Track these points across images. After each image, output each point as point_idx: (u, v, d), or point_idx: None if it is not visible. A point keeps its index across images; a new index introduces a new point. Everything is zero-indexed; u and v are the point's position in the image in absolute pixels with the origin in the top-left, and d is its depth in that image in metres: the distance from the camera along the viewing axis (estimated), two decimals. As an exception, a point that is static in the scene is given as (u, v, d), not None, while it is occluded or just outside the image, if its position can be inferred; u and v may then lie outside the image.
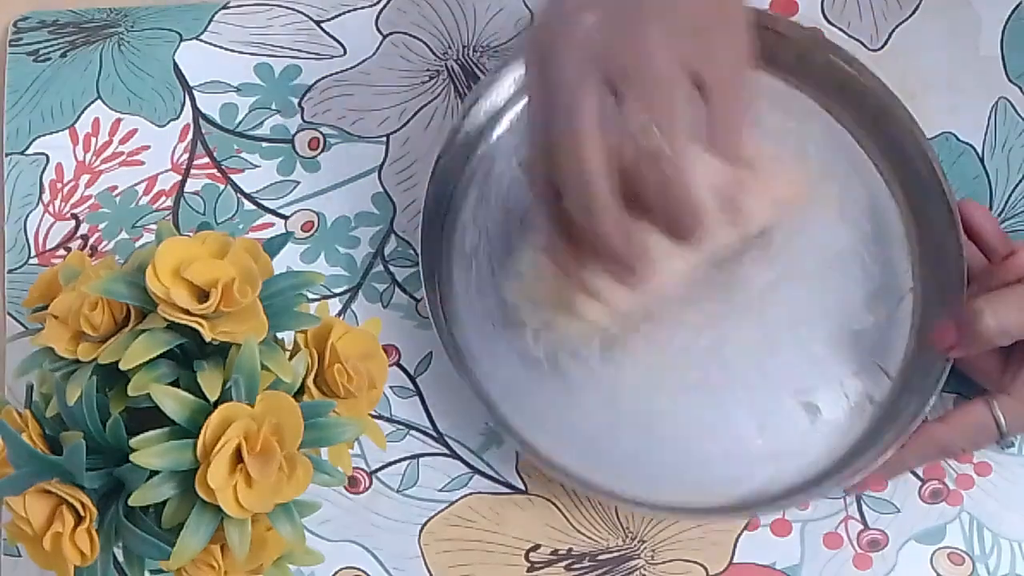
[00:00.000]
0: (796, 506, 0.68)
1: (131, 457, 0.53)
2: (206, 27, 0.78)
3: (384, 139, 0.76)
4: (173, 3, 0.79)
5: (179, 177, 0.75)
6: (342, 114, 0.76)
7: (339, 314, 0.72)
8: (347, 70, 0.77)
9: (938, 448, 0.67)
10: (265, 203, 0.74)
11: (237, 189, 0.75)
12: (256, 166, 0.75)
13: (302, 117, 0.76)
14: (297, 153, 0.75)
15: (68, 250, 0.73)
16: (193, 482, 0.53)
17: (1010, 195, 0.75)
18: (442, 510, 0.69)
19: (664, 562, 0.68)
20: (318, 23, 0.78)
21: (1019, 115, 0.76)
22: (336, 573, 0.68)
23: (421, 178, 0.74)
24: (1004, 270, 0.68)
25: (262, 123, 0.76)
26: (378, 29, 0.78)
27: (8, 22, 0.78)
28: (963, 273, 0.69)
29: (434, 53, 0.78)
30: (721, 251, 0.66)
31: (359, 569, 0.68)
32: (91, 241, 0.73)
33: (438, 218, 0.72)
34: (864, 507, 0.69)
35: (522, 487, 0.70)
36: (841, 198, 0.74)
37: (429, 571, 0.68)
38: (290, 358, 0.58)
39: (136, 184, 0.74)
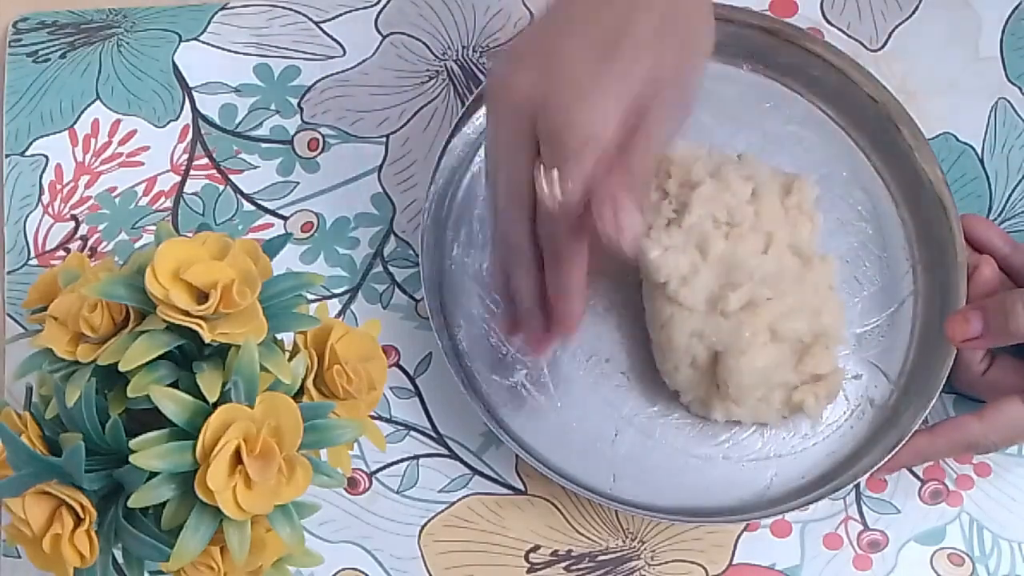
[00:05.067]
0: (796, 509, 0.68)
1: (130, 459, 0.53)
2: (205, 28, 0.78)
3: (383, 139, 0.76)
4: (172, 4, 0.79)
5: (178, 178, 0.75)
6: (341, 115, 0.76)
7: (338, 315, 0.72)
8: (346, 70, 0.77)
9: (970, 444, 0.66)
10: (264, 204, 0.74)
11: (236, 190, 0.75)
12: (255, 167, 0.75)
13: (301, 118, 0.76)
14: (296, 154, 0.75)
15: (68, 251, 0.73)
16: (192, 484, 0.53)
17: (1010, 195, 0.75)
18: (442, 511, 0.69)
19: (664, 563, 0.68)
20: (317, 23, 0.78)
21: (1019, 116, 0.76)
22: (336, 574, 0.68)
23: (421, 178, 0.74)
24: (973, 285, 0.68)
25: (261, 124, 0.76)
26: (377, 29, 0.78)
27: (8, 23, 0.78)
28: (963, 277, 0.69)
29: (433, 53, 0.78)
30: None
31: (359, 570, 0.68)
32: (90, 242, 0.73)
33: (438, 218, 0.72)
34: (864, 508, 0.69)
35: (522, 488, 0.70)
36: (841, 201, 0.74)
37: (429, 572, 0.68)
38: (289, 359, 0.58)
39: (135, 185, 0.74)
